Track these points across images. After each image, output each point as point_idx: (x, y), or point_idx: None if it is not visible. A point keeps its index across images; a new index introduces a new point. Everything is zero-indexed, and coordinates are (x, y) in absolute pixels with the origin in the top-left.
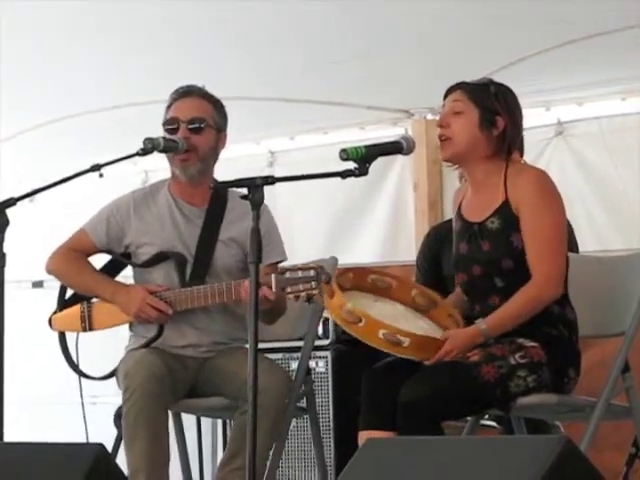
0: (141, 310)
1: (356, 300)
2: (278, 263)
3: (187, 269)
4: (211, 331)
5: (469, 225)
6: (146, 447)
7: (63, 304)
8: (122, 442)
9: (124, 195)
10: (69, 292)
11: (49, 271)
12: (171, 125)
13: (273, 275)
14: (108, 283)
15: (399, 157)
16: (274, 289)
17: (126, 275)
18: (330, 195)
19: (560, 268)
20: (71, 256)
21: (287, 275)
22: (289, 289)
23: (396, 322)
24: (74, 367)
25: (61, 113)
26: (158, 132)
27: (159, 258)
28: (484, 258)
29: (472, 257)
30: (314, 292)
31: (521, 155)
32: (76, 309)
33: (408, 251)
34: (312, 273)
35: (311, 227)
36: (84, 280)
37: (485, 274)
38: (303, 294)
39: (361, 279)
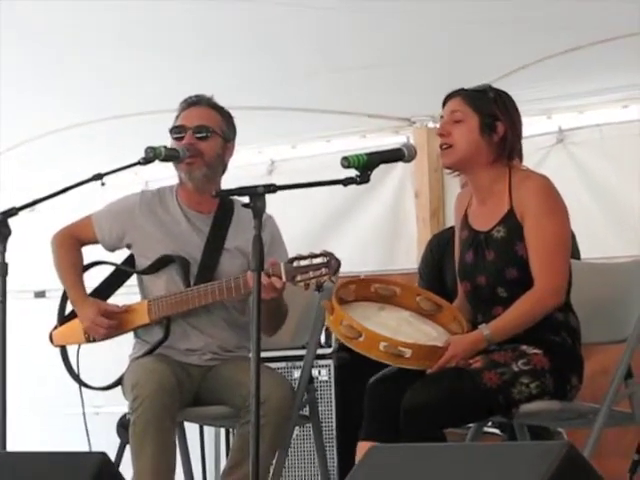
0: (89, 328)
1: (360, 311)
2: None
3: (191, 275)
4: (215, 336)
5: (476, 234)
6: (154, 456)
7: (63, 319)
8: (125, 451)
9: (133, 194)
10: (69, 307)
11: (51, 244)
12: (178, 133)
13: (282, 264)
14: (76, 289)
15: (397, 165)
16: (284, 278)
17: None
18: (327, 203)
19: (563, 277)
20: (71, 244)
21: (296, 264)
22: (299, 277)
23: (401, 329)
24: (76, 379)
25: (63, 123)
26: (161, 142)
27: (162, 262)
28: (489, 268)
29: (477, 266)
30: (324, 279)
31: (520, 161)
32: (77, 321)
33: (409, 259)
34: (321, 260)
35: (308, 235)
36: (66, 275)
37: (489, 284)
38: (313, 282)
39: (364, 289)
